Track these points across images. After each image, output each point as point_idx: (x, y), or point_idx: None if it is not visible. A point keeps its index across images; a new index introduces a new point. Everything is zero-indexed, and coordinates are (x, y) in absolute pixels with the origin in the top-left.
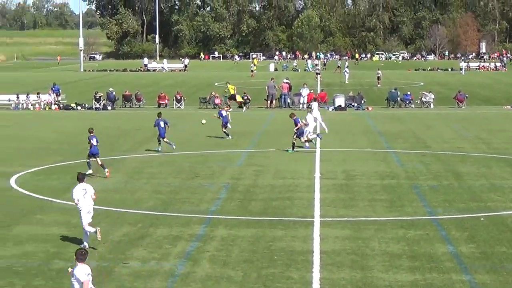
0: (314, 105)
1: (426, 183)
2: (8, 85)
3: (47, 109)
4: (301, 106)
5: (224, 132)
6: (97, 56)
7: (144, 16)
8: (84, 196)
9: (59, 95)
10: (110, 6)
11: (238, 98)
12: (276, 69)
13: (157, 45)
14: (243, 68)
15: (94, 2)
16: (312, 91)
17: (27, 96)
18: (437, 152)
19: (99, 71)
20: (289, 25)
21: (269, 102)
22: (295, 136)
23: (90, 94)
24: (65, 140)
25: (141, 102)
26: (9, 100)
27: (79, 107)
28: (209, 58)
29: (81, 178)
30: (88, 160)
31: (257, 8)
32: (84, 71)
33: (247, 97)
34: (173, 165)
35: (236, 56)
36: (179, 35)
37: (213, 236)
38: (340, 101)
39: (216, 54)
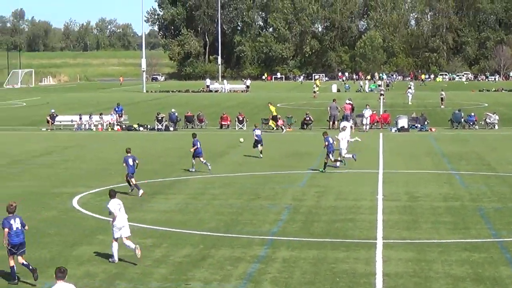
0: (347, 124)
1: (490, 205)
2: (71, 105)
3: (109, 130)
4: (364, 127)
5: (258, 151)
6: (159, 77)
7: (206, 37)
8: (119, 210)
9: (122, 116)
10: (172, 27)
11: (271, 123)
12: (338, 90)
13: (220, 66)
14: (305, 89)
15: (157, 23)
16: (374, 111)
17: (89, 117)
18: (501, 174)
19: (161, 92)
20: (351, 46)
21: (331, 123)
22: (326, 156)
23: (152, 115)
24: None
25: (203, 123)
26: (72, 121)
27: (141, 128)
28: (271, 79)
29: (113, 194)
30: (132, 183)
31: (320, 29)
32: (146, 92)
33: (309, 117)
34: (235, 186)
35: (300, 77)
36: (241, 56)
37: (275, 258)
38: (403, 122)
39: (279, 75)
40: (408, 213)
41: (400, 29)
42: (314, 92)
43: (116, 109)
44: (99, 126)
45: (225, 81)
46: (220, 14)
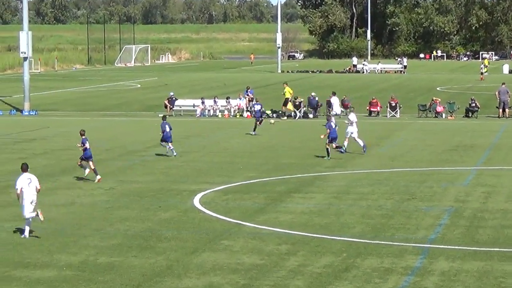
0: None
1: None
2: (193, 88)
3: (237, 116)
4: None
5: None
6: (297, 55)
7: (354, 7)
8: (28, 185)
9: (252, 100)
10: None
11: (289, 106)
12: (511, 71)
13: (369, 42)
14: (471, 70)
15: None
16: None
17: (214, 101)
18: None
19: (299, 72)
20: None
21: (501, 110)
22: (327, 142)
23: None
24: (259, 153)
25: (348, 109)
26: (193, 106)
27: (275, 115)
28: (430, 57)
29: (25, 168)
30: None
31: None
32: (282, 72)
33: (475, 103)
34: (387, 184)
35: (463, 56)
36: (395, 30)
37: (432, 270)
38: None
39: (439, 53)
40: None
41: None
42: (481, 73)
43: (246, 92)
44: (226, 112)
45: (379, 63)
46: None
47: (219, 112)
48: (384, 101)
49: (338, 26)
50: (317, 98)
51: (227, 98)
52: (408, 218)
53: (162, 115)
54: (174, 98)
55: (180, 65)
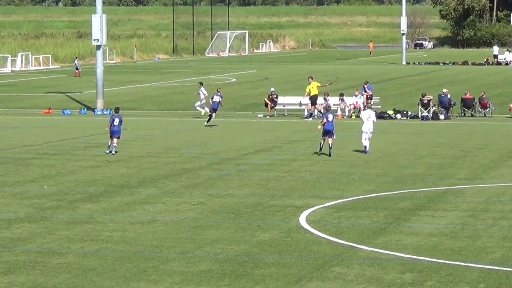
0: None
1: None
2: (299, 83)
3: (353, 117)
4: None
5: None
6: (426, 43)
7: None
8: None
9: (371, 97)
10: None
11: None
12: None
13: None
14: None
15: None
16: None
17: (325, 99)
18: None
19: (428, 64)
20: None
21: None
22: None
23: (415, 97)
24: (377, 161)
25: (487, 109)
26: (300, 105)
27: (398, 115)
28: None
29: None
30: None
31: None
32: (407, 64)
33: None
34: None
35: None
36: None
37: None
38: None
39: None
40: None
41: None
42: None
43: (364, 88)
44: (339, 112)
45: None
46: None
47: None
48: None
49: (476, 8)
50: (449, 96)
51: (340, 95)
52: None
53: (116, 107)
54: (275, 95)
55: (284, 55)
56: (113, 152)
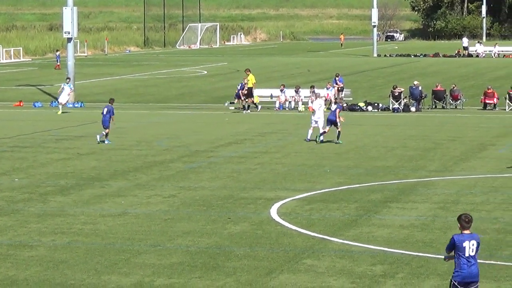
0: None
1: None
2: (270, 75)
3: (324, 109)
4: None
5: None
6: (396, 35)
7: None
8: None
9: (342, 90)
10: None
11: (255, 98)
12: None
13: (484, 20)
14: None
15: None
16: None
17: (296, 91)
18: None
19: (399, 56)
20: None
21: None
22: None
23: (386, 89)
24: (348, 154)
25: (458, 101)
26: (271, 97)
27: (369, 108)
28: None
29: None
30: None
31: None
32: (378, 57)
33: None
34: (504, 192)
35: None
36: None
37: None
38: None
39: None
40: None
41: None
42: None
43: (335, 81)
44: (310, 105)
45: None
46: None
47: (302, 104)
48: (502, 92)
49: (446, 1)
50: (420, 88)
51: (311, 88)
52: None
53: (110, 98)
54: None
55: (255, 47)
56: (106, 142)
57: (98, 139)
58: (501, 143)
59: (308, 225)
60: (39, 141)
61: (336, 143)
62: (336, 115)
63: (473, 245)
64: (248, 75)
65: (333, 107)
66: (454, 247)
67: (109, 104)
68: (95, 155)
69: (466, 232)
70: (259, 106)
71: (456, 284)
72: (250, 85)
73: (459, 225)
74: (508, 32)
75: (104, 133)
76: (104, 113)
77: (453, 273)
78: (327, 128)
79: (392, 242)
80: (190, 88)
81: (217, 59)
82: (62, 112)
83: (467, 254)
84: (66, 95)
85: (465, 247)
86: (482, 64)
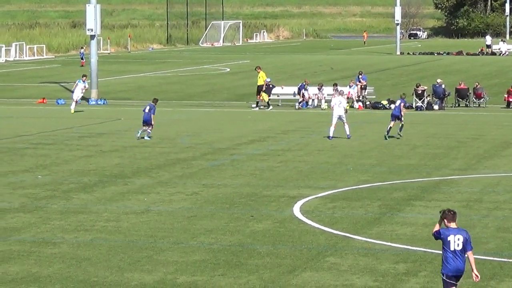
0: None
1: None
2: (293, 73)
3: (347, 107)
4: None
5: None
6: (420, 33)
7: None
8: None
9: (365, 88)
10: None
11: (263, 95)
12: None
13: (507, 18)
14: None
15: None
16: None
17: (319, 89)
18: None
19: (422, 55)
20: None
21: None
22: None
23: (409, 87)
24: (371, 152)
25: (482, 99)
26: (294, 95)
27: (392, 106)
28: None
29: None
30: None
31: None
32: (401, 54)
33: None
34: None
35: None
36: None
37: None
38: None
39: None
40: None
41: None
42: None
43: (358, 78)
44: (332, 102)
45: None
46: None
47: (325, 102)
48: None
49: None
50: (443, 86)
51: (334, 85)
52: None
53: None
54: (271, 86)
55: (278, 45)
56: (145, 138)
57: (139, 135)
58: None
59: (331, 223)
60: (62, 138)
61: (398, 135)
62: (400, 110)
63: (458, 239)
64: (259, 72)
65: (397, 102)
66: (439, 239)
67: (152, 103)
68: (117, 153)
69: (452, 225)
70: (270, 106)
71: (444, 278)
72: (260, 82)
73: (445, 219)
74: None
75: (144, 129)
76: (146, 110)
77: (441, 266)
78: (392, 123)
79: (415, 240)
80: (213, 85)
81: (240, 57)
82: (75, 111)
83: (452, 248)
84: (79, 91)
85: (449, 241)
86: (506, 63)
